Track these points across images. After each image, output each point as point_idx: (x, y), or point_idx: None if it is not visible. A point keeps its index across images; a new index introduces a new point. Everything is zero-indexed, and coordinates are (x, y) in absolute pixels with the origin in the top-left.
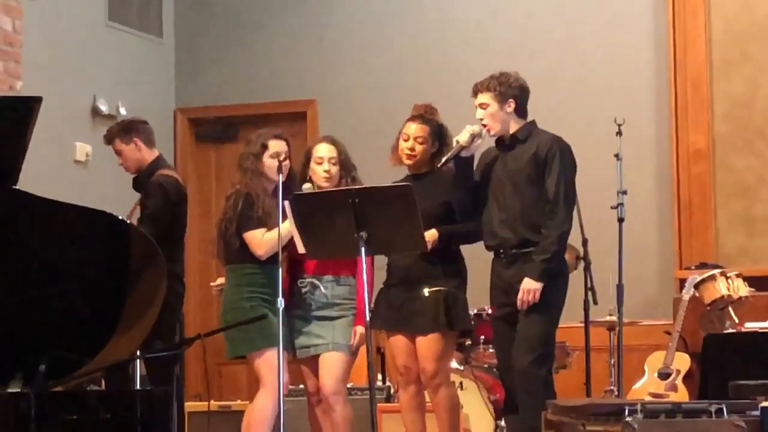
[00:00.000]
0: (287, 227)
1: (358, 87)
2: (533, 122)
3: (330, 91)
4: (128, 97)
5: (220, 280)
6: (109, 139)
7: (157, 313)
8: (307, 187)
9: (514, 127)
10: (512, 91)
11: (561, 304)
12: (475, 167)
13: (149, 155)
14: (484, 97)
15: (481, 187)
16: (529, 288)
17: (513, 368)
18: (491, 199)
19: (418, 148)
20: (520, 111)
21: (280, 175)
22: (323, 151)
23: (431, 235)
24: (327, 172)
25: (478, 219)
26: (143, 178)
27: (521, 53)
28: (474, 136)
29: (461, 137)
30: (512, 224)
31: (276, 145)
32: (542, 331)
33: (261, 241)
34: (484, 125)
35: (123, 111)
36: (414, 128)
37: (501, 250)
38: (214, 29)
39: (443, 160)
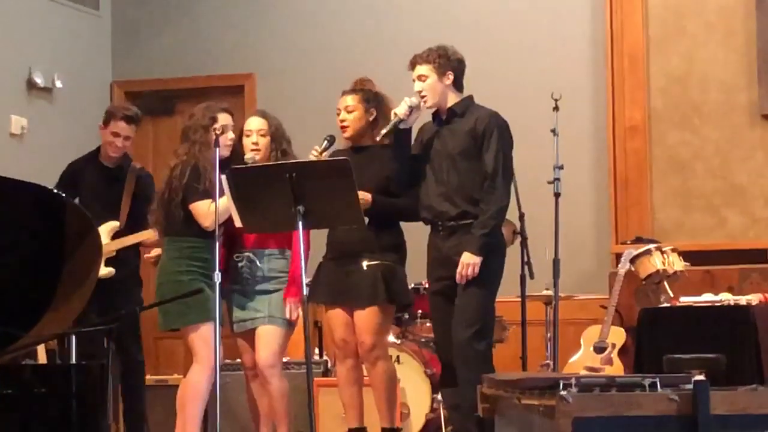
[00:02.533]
0: (225, 202)
1: (297, 61)
2: (470, 97)
3: (269, 65)
4: (64, 70)
5: (156, 251)
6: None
7: (92, 287)
8: (249, 157)
9: (451, 100)
10: (451, 63)
11: (499, 278)
12: (413, 141)
13: None
14: (422, 69)
15: (418, 161)
16: (469, 262)
17: (452, 342)
18: (429, 173)
19: (349, 117)
20: (458, 84)
21: (218, 149)
22: (252, 124)
23: (364, 195)
24: (255, 144)
25: (414, 194)
26: (122, 168)
27: (459, 28)
28: (411, 108)
29: (398, 110)
30: (450, 197)
31: (224, 119)
32: (481, 305)
33: (207, 212)
34: (422, 97)
35: (59, 84)
36: (343, 100)
37: (439, 223)
38: (151, 2)
39: (382, 132)
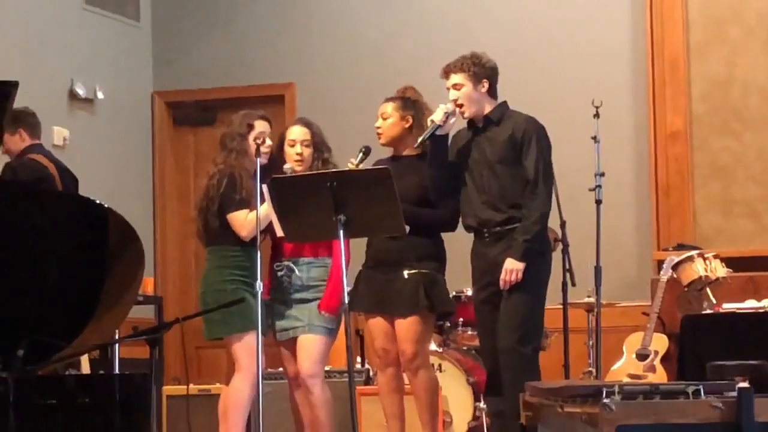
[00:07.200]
0: (266, 210)
1: (336, 70)
2: (505, 103)
3: (308, 74)
4: (106, 81)
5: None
6: None
7: (135, 297)
8: (288, 167)
9: (487, 108)
10: (485, 71)
11: (545, 283)
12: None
13: (22, 145)
14: (457, 78)
15: (455, 170)
16: (512, 268)
17: (497, 348)
18: (469, 182)
19: (384, 124)
20: (492, 92)
21: (258, 159)
22: (295, 133)
23: None
24: (299, 154)
25: (451, 202)
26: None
27: (499, 36)
28: (448, 115)
29: (435, 116)
30: (494, 204)
31: (261, 125)
32: (526, 310)
33: (244, 222)
34: (459, 106)
35: (100, 95)
36: (382, 107)
37: (485, 230)
38: (191, 12)
39: (419, 140)
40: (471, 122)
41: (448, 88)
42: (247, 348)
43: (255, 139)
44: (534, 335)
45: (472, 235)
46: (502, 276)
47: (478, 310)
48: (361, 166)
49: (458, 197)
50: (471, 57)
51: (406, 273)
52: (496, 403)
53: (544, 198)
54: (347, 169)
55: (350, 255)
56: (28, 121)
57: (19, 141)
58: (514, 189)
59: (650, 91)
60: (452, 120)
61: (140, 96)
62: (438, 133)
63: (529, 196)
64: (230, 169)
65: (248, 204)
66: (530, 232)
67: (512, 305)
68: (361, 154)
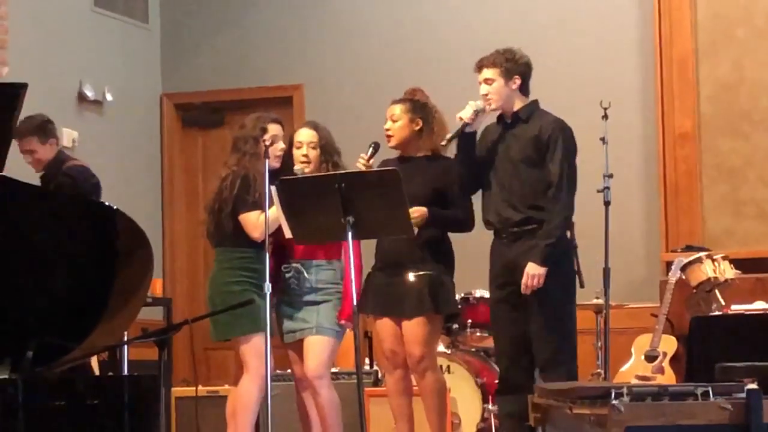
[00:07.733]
0: (275, 212)
1: (344, 72)
2: (536, 102)
3: (316, 76)
4: (114, 83)
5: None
6: (22, 135)
7: (144, 299)
8: (298, 169)
9: (517, 105)
10: (518, 67)
11: (571, 285)
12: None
13: (53, 153)
14: (489, 72)
15: (481, 165)
16: (534, 273)
17: (536, 360)
18: (492, 178)
19: (394, 126)
20: (524, 89)
21: (267, 161)
22: (303, 136)
23: (420, 211)
24: (305, 156)
25: (467, 202)
26: (51, 176)
27: (507, 37)
28: (477, 112)
29: (464, 113)
30: (514, 203)
31: (274, 129)
32: (557, 318)
33: (257, 223)
34: (487, 100)
35: (109, 97)
36: (390, 109)
37: (503, 229)
38: (200, 14)
39: (447, 137)
40: (500, 117)
41: (480, 83)
42: (255, 349)
43: (263, 140)
44: (571, 342)
45: (482, 235)
46: (524, 281)
47: (493, 309)
48: (371, 162)
49: (470, 197)
50: (504, 52)
51: (411, 275)
52: (509, 402)
53: (567, 202)
54: (358, 164)
55: (361, 257)
56: (55, 130)
57: (49, 150)
58: (535, 190)
59: (659, 92)
60: (481, 118)
61: (149, 98)
62: (467, 130)
63: (553, 200)
64: (244, 170)
65: (261, 206)
66: (552, 237)
67: (544, 318)
68: (371, 150)
